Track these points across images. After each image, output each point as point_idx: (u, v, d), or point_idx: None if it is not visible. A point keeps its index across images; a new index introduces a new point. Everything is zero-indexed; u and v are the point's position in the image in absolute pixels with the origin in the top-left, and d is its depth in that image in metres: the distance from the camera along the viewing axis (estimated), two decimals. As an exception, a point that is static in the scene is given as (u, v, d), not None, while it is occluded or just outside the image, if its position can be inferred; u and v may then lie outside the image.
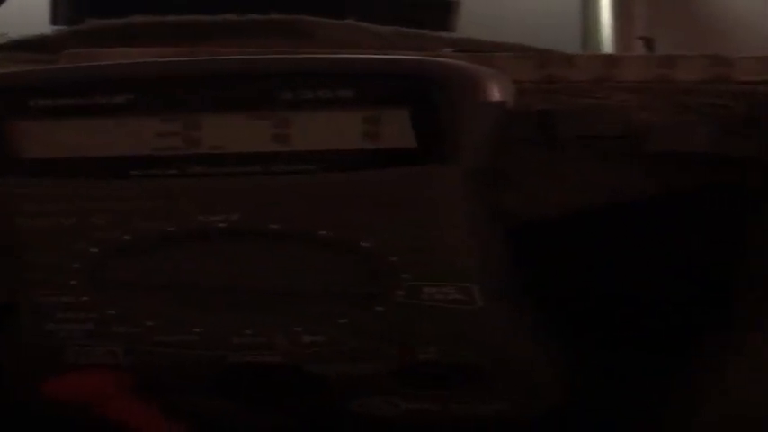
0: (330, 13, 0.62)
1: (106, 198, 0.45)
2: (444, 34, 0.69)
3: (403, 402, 0.50)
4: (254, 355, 0.47)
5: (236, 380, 0.48)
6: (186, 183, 0.44)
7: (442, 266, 0.45)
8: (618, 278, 0.50)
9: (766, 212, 0.47)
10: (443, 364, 0.47)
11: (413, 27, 0.64)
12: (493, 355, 0.47)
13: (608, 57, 0.48)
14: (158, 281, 0.46)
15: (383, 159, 0.43)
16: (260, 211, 0.44)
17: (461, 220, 0.44)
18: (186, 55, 0.50)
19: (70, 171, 0.44)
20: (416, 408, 0.50)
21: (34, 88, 0.44)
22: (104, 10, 0.63)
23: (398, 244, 0.44)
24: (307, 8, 0.61)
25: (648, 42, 0.88)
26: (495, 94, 0.43)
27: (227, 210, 0.44)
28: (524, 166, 0.45)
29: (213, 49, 0.52)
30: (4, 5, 0.73)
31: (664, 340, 0.52)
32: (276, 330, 0.47)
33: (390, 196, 0.44)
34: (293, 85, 0.43)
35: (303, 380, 0.48)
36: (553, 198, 0.46)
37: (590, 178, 0.46)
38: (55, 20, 0.74)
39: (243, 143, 0.44)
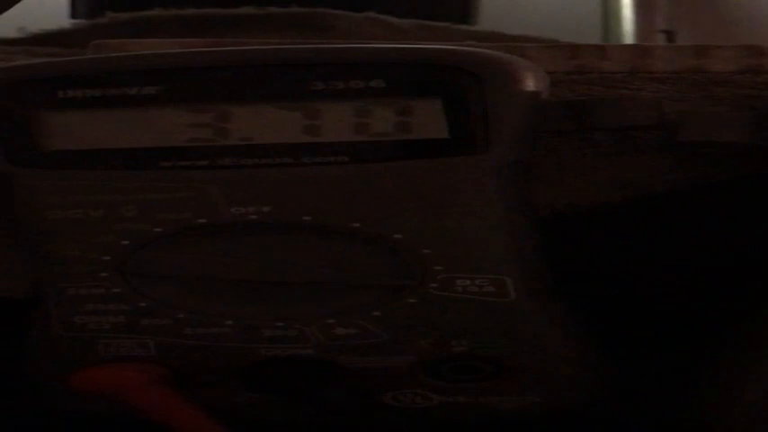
0: (351, 6, 0.61)
1: (136, 190, 0.44)
2: (466, 27, 0.69)
3: (435, 395, 0.49)
4: (285, 348, 0.47)
5: (268, 373, 0.48)
6: (217, 174, 0.44)
7: (475, 258, 0.44)
8: (650, 271, 0.50)
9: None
10: (476, 357, 0.47)
11: (434, 20, 0.63)
12: (525, 347, 0.47)
13: (640, 47, 0.48)
14: (190, 273, 0.46)
15: (415, 150, 0.43)
16: (291, 203, 0.44)
17: (494, 212, 0.44)
18: (215, 46, 0.49)
19: (99, 163, 0.44)
20: (449, 401, 0.50)
21: (63, 79, 0.44)
22: (124, 4, 0.62)
23: (431, 236, 0.44)
24: (328, 1, 0.61)
25: (670, 36, 0.87)
26: (530, 84, 0.43)
27: (258, 202, 0.44)
28: (557, 157, 0.45)
29: (237, 41, 0.52)
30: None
31: (695, 335, 0.51)
32: (308, 323, 0.46)
33: (423, 188, 0.43)
34: (325, 75, 0.42)
35: (335, 372, 0.48)
36: (586, 189, 0.45)
37: (623, 169, 0.45)
38: (74, 14, 0.74)
39: (274, 134, 0.43)
